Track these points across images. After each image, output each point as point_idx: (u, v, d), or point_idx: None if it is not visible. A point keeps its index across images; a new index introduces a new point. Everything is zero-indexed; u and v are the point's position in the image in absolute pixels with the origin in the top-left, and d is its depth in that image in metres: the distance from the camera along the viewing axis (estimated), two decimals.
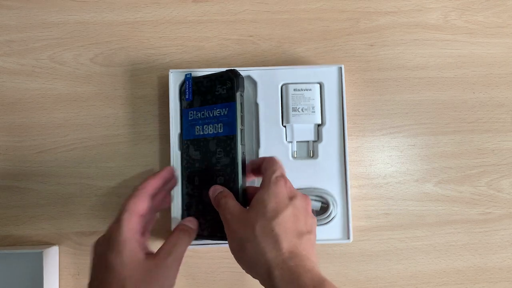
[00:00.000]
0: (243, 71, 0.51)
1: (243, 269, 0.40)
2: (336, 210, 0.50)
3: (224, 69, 0.46)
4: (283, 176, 0.42)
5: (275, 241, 0.38)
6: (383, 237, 0.53)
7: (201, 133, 0.47)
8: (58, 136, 0.53)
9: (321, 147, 0.51)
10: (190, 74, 0.49)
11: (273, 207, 0.39)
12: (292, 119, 0.51)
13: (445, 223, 0.52)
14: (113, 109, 0.53)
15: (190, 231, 0.43)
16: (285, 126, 0.51)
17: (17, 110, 0.53)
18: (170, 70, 0.51)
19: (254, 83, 0.51)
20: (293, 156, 0.51)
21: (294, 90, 0.51)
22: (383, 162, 0.53)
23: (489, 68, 0.55)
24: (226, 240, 0.41)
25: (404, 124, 0.54)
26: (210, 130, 0.47)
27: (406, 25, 0.55)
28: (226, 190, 0.43)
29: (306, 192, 0.50)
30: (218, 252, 0.53)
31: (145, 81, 0.54)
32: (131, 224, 0.39)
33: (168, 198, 0.47)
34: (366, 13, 0.55)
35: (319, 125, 0.51)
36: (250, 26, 0.54)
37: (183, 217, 0.48)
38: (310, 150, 0.52)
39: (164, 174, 0.45)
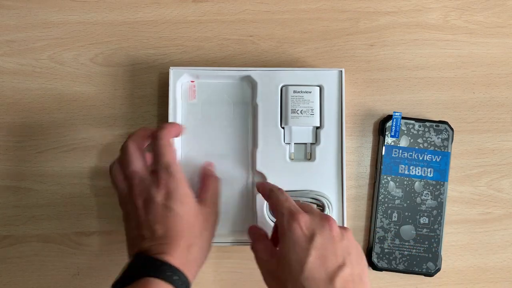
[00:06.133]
0: (244, 72, 0.51)
1: None
2: (331, 212, 0.50)
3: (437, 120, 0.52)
4: (292, 213, 0.40)
5: None
6: None
7: (406, 172, 0.51)
8: (58, 136, 0.53)
9: (318, 149, 0.51)
10: (400, 113, 0.51)
11: (296, 259, 0.38)
12: (290, 121, 0.51)
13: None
14: (113, 109, 0.53)
15: (217, 177, 0.48)
16: (283, 128, 0.51)
17: (17, 110, 0.53)
18: (171, 68, 0.51)
19: (254, 83, 0.51)
20: (290, 158, 0.51)
21: (294, 92, 0.51)
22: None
23: (489, 68, 0.55)
24: (423, 275, 0.50)
25: None
26: (418, 172, 0.51)
27: (406, 25, 0.55)
28: (259, 233, 0.45)
29: (301, 194, 0.50)
30: (218, 252, 0.53)
31: (145, 81, 0.54)
32: (183, 175, 0.42)
33: None
34: (366, 13, 0.55)
35: (317, 128, 0.51)
36: (250, 26, 0.54)
37: (374, 248, 0.51)
38: (307, 153, 0.52)
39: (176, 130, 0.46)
